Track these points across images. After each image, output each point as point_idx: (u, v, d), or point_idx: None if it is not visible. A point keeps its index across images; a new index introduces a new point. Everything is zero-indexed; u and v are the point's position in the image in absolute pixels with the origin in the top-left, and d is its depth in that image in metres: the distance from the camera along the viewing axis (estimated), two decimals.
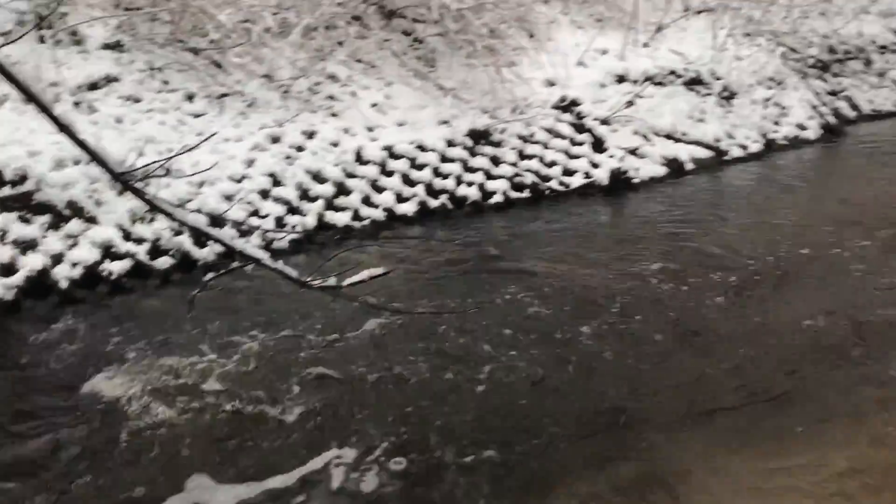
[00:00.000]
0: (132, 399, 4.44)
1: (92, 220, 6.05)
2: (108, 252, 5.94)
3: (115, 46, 7.59)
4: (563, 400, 4.52)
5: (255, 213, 6.64)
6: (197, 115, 7.27)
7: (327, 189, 7.05)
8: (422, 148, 7.73)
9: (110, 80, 7.23)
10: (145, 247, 6.07)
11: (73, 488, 3.79)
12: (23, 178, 6.07)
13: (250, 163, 6.95)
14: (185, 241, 6.17)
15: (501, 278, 6.01)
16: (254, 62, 7.86)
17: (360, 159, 7.42)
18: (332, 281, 3.21)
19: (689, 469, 3.93)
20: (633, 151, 8.59)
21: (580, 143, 8.50)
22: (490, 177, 7.83)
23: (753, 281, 5.97)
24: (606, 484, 3.85)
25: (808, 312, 5.47)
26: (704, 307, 5.57)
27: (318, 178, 7.10)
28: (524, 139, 8.28)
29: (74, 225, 5.98)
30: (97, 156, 2.57)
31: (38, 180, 6.07)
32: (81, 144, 2.55)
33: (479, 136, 8.07)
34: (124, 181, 2.59)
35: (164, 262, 6.07)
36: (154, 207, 2.75)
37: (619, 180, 8.23)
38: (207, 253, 6.18)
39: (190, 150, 3.42)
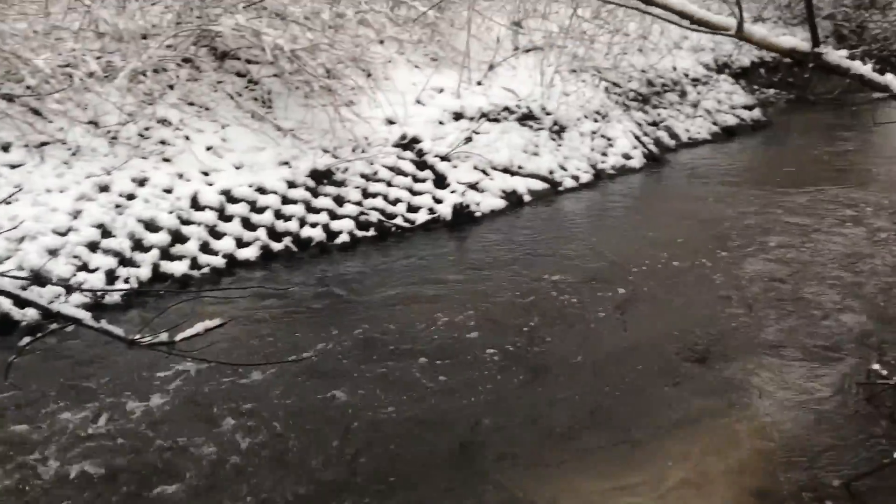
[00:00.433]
0: None
1: None
2: None
3: None
4: (411, 440, 4.53)
5: (83, 268, 6.26)
6: (14, 166, 6.77)
7: (162, 237, 6.77)
8: (262, 190, 7.60)
9: None
10: None
11: None
12: None
13: (76, 214, 6.56)
14: (4, 301, 5.71)
15: (348, 319, 5.97)
16: (77, 108, 7.46)
17: (196, 205, 7.19)
18: (163, 336, 3.05)
19: (532, 499, 4.03)
20: (473, 186, 8.85)
21: (423, 180, 8.67)
22: (334, 217, 7.81)
23: (590, 303, 6.27)
24: None
25: (642, 329, 5.82)
26: (545, 331, 5.78)
27: (152, 226, 6.81)
28: (367, 178, 8.33)
29: None
30: None
31: None
32: None
33: (322, 176, 8.04)
34: None
35: None
36: None
37: (462, 214, 8.44)
38: (30, 313, 5.75)
39: (4, 202, 3.19)
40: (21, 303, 5.25)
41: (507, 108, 10.05)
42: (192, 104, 8.14)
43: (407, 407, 4.80)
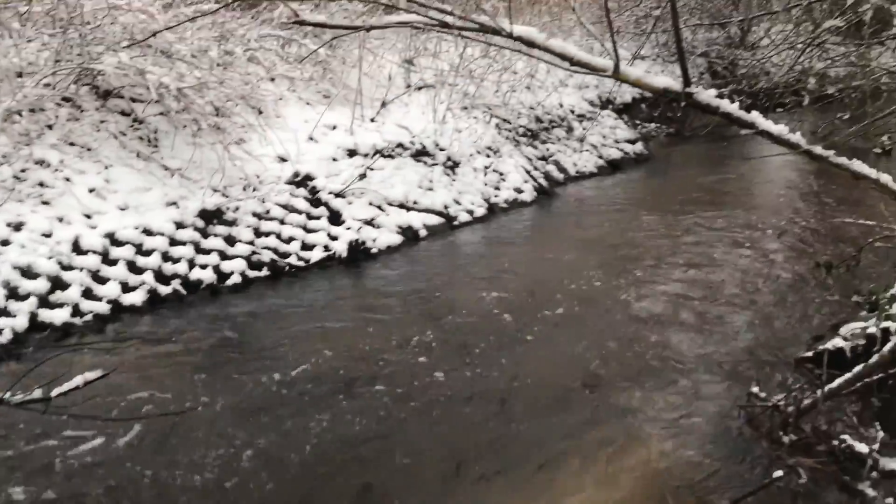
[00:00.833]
0: None
1: None
2: None
3: None
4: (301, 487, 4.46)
5: None
6: None
7: (40, 284, 6.45)
8: (148, 232, 7.37)
9: None
10: None
11: None
12: None
13: None
14: None
15: (239, 364, 5.84)
16: None
17: (78, 249, 6.89)
18: (37, 393, 2.91)
19: None
20: (369, 222, 8.87)
21: (317, 217, 8.61)
22: (225, 257, 7.65)
23: (488, 334, 6.35)
24: None
25: (539, 358, 5.95)
26: (442, 365, 5.81)
27: (29, 273, 6.47)
28: (259, 216, 8.21)
29: None
30: None
31: None
32: None
33: (211, 216, 7.87)
34: None
35: None
36: None
37: (358, 251, 8.44)
38: None
39: None
40: None
41: (400, 145, 10.16)
42: (73, 144, 7.83)
43: (296, 455, 4.72)
